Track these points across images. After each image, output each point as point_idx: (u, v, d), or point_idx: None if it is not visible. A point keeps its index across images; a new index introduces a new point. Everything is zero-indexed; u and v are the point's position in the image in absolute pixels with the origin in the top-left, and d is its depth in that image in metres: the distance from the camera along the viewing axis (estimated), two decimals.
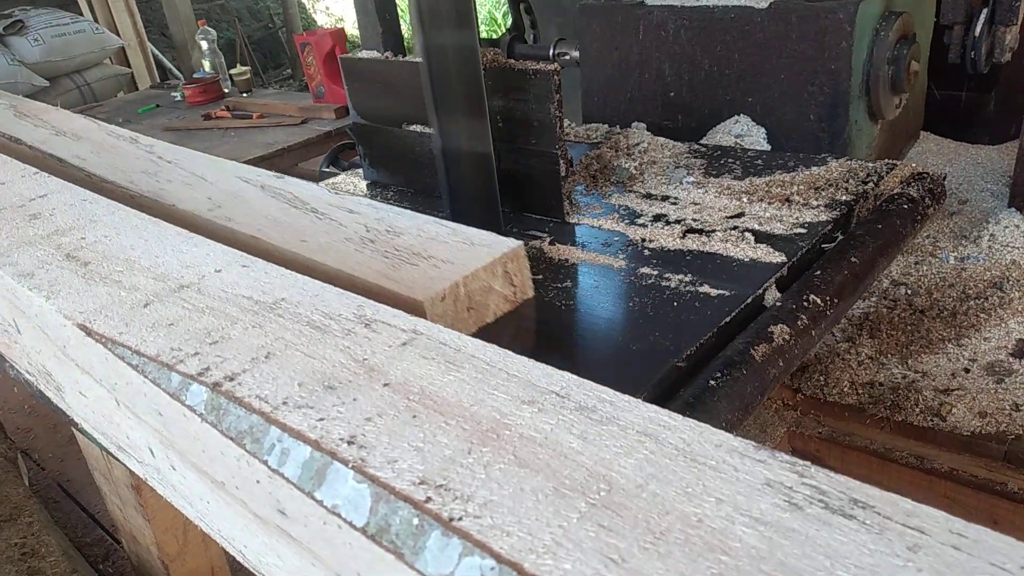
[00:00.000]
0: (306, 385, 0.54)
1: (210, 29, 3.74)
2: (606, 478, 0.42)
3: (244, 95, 3.48)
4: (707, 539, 0.38)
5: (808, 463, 0.42)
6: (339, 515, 0.45)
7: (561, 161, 1.12)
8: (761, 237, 1.03)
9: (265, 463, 0.49)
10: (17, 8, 4.82)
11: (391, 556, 0.42)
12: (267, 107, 3.20)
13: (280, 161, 2.75)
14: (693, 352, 0.81)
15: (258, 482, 0.51)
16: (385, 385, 0.53)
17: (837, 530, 0.38)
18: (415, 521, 0.42)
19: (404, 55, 1.29)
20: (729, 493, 0.40)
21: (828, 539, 0.37)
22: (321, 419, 0.50)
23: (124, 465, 1.02)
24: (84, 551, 1.99)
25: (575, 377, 0.52)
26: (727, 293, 0.91)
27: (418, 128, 1.28)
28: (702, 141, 1.46)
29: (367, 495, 0.44)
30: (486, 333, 0.88)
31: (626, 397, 0.49)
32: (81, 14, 5.38)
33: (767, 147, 1.46)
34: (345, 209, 1.05)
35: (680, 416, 0.47)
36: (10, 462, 1.70)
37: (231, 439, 0.52)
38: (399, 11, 1.42)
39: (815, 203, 1.12)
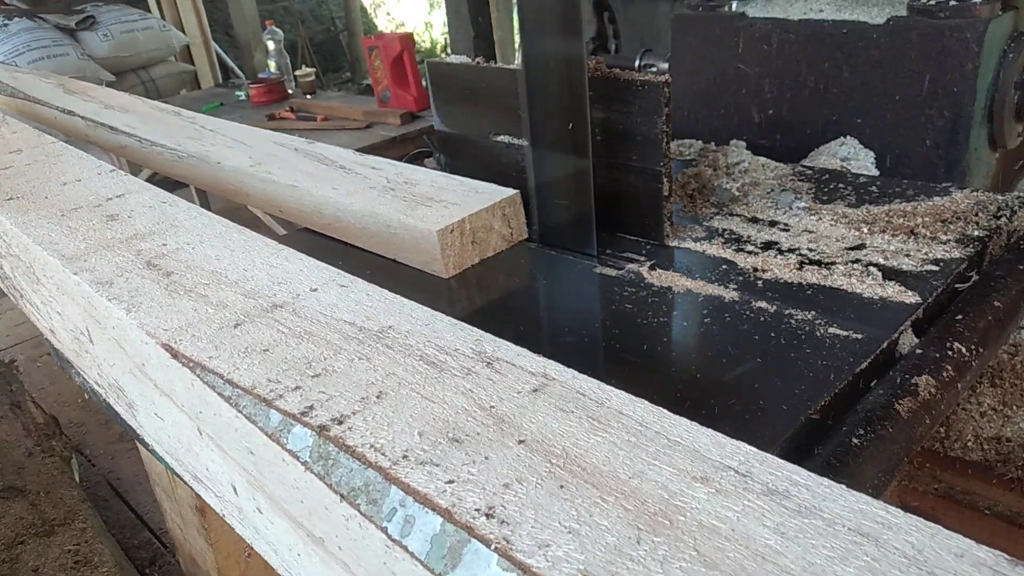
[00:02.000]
0: (428, 435, 0.46)
1: (277, 30, 3.73)
2: None
3: (308, 97, 3.46)
4: None
5: None
6: None
7: (664, 179, 1.04)
8: (888, 273, 0.94)
9: (384, 531, 0.42)
10: (89, 4, 4.89)
11: None
12: (331, 110, 3.17)
13: None
14: (827, 403, 0.72)
15: (371, 549, 0.44)
16: (520, 442, 0.45)
17: None
18: None
19: (496, 61, 1.22)
20: None
21: None
22: (450, 481, 0.42)
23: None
24: (131, 554, 1.95)
25: (753, 449, 0.43)
26: (858, 335, 0.82)
27: (506, 139, 1.21)
28: (805, 163, 1.37)
29: None
30: (487, 265, 1.04)
31: (824, 481, 0.40)
32: (149, 11, 5.46)
33: (876, 172, 1.36)
34: (368, 166, 1.21)
35: (899, 511, 0.38)
36: (64, 461, 1.67)
37: (342, 496, 0.45)
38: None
39: (944, 237, 1.02)
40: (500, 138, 1.21)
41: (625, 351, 0.85)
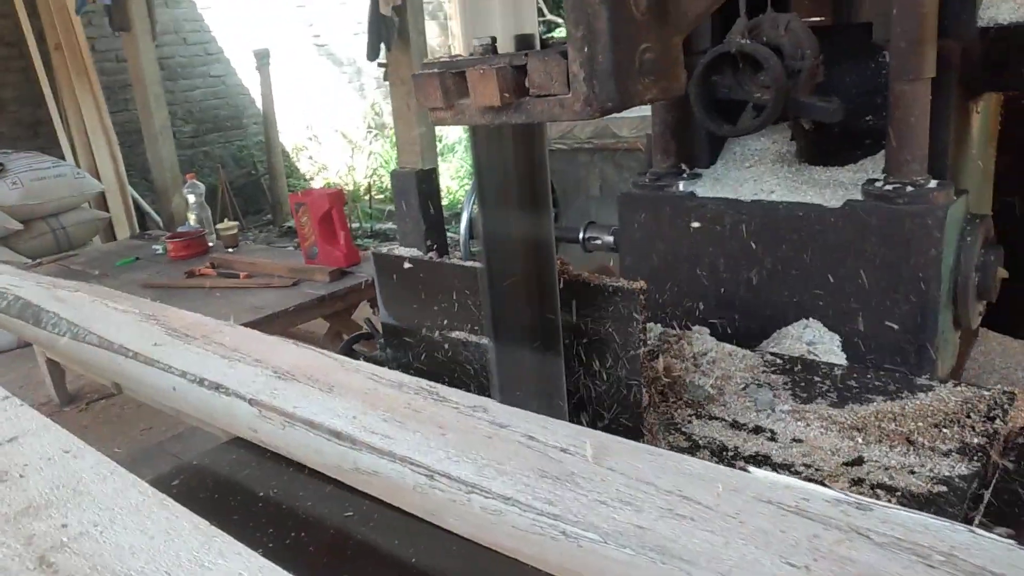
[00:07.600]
0: None
1: (198, 183, 3.64)
2: None
3: (230, 250, 3.33)
4: None
5: None
6: None
7: (644, 391, 0.95)
8: (898, 498, 0.85)
9: None
10: None
11: None
12: (255, 266, 3.03)
13: (269, 327, 2.55)
14: None
15: None
16: None
17: None
18: None
19: (448, 256, 1.13)
20: None
21: None
22: None
23: None
24: None
25: None
26: None
27: (463, 335, 1.11)
28: (771, 348, 1.31)
29: None
30: None
31: None
32: (63, 157, 5.30)
33: (842, 356, 1.31)
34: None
35: None
36: None
37: None
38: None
39: (944, 447, 0.95)
40: (455, 334, 1.11)
41: None
